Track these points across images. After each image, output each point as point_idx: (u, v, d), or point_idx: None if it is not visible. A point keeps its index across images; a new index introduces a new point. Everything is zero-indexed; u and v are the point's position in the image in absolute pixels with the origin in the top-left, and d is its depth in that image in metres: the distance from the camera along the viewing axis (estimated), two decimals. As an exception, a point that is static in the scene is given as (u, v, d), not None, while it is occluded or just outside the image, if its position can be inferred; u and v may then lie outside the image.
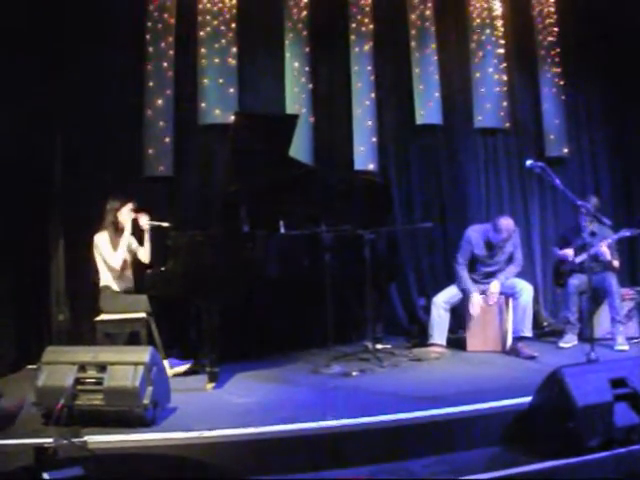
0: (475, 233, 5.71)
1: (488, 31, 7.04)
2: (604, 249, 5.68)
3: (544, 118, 7.20)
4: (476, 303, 5.56)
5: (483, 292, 5.63)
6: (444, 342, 5.57)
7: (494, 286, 5.54)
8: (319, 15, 6.64)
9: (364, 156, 6.59)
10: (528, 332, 5.41)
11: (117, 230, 5.04)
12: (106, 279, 5.00)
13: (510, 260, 5.69)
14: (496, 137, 7.18)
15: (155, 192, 6.00)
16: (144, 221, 5.08)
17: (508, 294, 5.60)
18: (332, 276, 5.28)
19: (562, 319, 6.05)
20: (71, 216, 5.78)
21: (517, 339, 5.40)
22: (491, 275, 5.66)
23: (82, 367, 3.65)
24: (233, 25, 6.28)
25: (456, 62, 7.06)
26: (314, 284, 5.42)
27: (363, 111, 6.63)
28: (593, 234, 5.66)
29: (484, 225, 5.77)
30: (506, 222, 5.55)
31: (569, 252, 5.89)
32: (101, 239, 5.00)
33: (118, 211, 5.04)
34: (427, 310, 6.04)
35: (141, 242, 5.20)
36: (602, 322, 5.85)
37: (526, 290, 5.49)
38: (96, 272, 4.97)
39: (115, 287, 4.99)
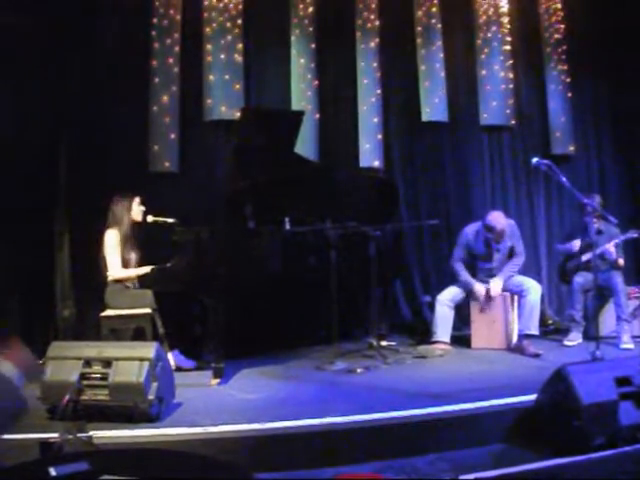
0: (472, 232, 5.71)
1: (494, 28, 7.02)
2: (612, 249, 5.68)
3: (550, 116, 7.18)
4: (479, 292, 5.56)
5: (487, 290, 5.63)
6: (448, 339, 5.56)
7: (495, 284, 5.54)
8: (325, 11, 6.64)
9: (369, 153, 6.58)
10: (535, 330, 5.40)
11: (130, 227, 5.03)
12: (114, 273, 4.99)
13: (511, 255, 5.67)
14: (502, 134, 7.17)
15: (160, 188, 6.00)
16: (150, 217, 5.08)
17: (515, 292, 5.59)
18: (337, 273, 5.27)
19: (567, 317, 6.05)
20: (76, 212, 5.79)
21: (523, 336, 5.39)
22: (493, 272, 5.66)
23: (87, 362, 3.65)
24: (239, 21, 6.28)
25: (462, 59, 7.05)
26: (319, 280, 5.42)
27: (369, 108, 6.62)
28: (600, 232, 5.65)
29: (479, 223, 5.75)
30: (494, 216, 5.52)
31: (575, 243, 5.87)
32: (110, 237, 4.95)
33: (129, 209, 5.03)
34: (431, 307, 6.04)
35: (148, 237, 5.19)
36: (607, 320, 5.84)
37: (534, 288, 5.48)
38: (105, 267, 4.97)
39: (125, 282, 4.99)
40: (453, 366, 5.03)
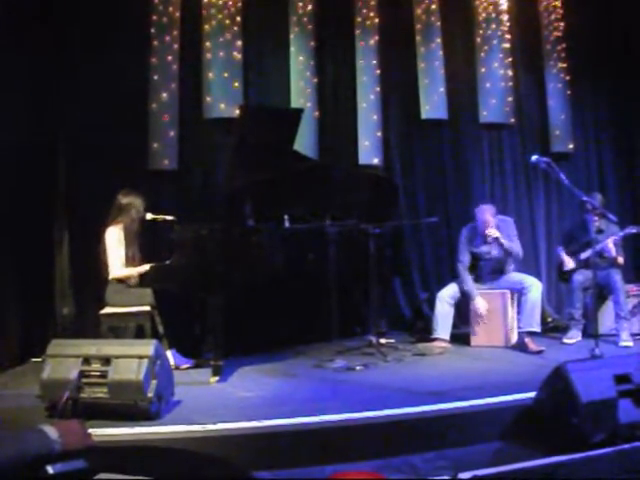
0: (469, 230, 5.74)
1: (494, 26, 7.02)
2: (610, 245, 5.68)
3: (550, 113, 7.19)
4: (480, 307, 5.56)
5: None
6: (448, 337, 5.56)
7: (479, 304, 5.56)
8: (324, 9, 6.64)
9: (369, 150, 6.59)
10: (537, 327, 5.40)
11: (132, 226, 5.01)
12: (114, 272, 4.97)
13: (508, 252, 5.66)
14: (501, 132, 7.17)
15: (160, 186, 6.01)
16: (149, 214, 5.07)
17: (516, 290, 5.59)
18: (336, 270, 5.28)
19: (566, 315, 6.04)
20: (76, 210, 5.79)
21: (525, 334, 5.38)
22: (494, 267, 5.67)
23: (87, 360, 3.64)
24: (238, 19, 6.28)
25: (461, 57, 7.05)
26: (318, 278, 5.42)
27: (368, 105, 6.62)
28: (600, 231, 5.65)
29: (476, 222, 5.76)
30: (481, 209, 5.62)
31: (568, 262, 5.89)
32: (112, 234, 4.92)
33: (135, 208, 5.02)
34: (430, 304, 6.04)
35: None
36: (606, 318, 5.85)
37: (535, 286, 5.48)
38: (105, 265, 4.96)
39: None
40: (452, 364, 5.04)
